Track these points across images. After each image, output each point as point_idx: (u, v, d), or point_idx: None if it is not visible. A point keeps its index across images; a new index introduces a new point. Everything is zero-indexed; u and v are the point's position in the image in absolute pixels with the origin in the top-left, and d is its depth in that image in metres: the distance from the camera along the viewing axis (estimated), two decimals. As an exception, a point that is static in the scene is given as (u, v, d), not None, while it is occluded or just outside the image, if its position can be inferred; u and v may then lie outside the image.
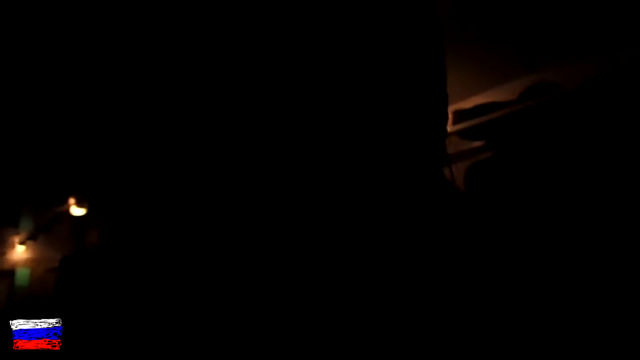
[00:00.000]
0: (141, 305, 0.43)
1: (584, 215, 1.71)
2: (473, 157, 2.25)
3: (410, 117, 0.40)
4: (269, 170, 0.37)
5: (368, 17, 0.38)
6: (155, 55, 0.40)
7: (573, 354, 0.38)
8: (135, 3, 0.41)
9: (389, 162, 0.39)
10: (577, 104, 1.90)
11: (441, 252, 0.41)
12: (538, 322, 0.39)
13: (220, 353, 0.38)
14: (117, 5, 0.43)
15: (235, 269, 0.39)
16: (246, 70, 0.37)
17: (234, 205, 0.38)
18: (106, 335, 0.44)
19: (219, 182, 0.38)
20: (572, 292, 0.43)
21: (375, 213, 0.39)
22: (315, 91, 0.37)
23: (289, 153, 0.37)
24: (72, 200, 4.00)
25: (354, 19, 0.38)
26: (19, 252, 4.76)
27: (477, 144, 2.28)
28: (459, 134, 2.23)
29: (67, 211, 4.07)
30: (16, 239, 4.78)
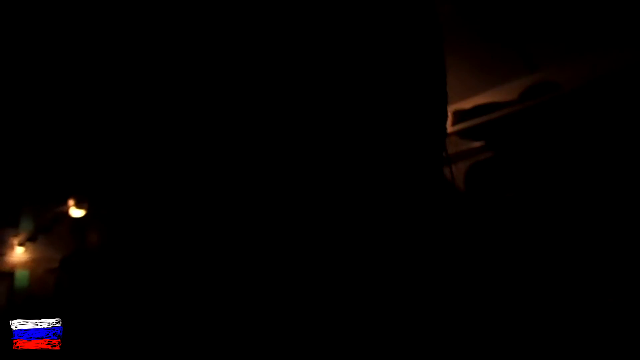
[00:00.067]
0: (141, 306, 0.43)
1: (584, 215, 1.71)
2: (473, 157, 2.26)
3: (410, 116, 0.40)
4: (268, 170, 0.37)
5: (368, 17, 0.38)
6: (154, 56, 0.40)
7: (573, 353, 0.38)
8: (135, 3, 0.41)
9: (389, 162, 0.39)
10: (578, 103, 1.90)
11: (441, 251, 0.41)
12: (538, 322, 0.39)
13: (220, 353, 0.38)
14: (117, 5, 0.43)
15: (235, 269, 0.39)
16: (245, 70, 0.37)
17: (234, 205, 0.38)
18: (106, 335, 0.44)
19: (218, 182, 0.38)
20: (573, 291, 0.43)
21: (375, 212, 0.39)
22: (315, 91, 0.37)
23: (287, 153, 0.36)
24: (71, 201, 4.01)
25: (353, 18, 0.38)
26: (18, 253, 4.77)
27: (478, 144, 2.28)
28: (459, 134, 2.24)
29: (67, 212, 4.08)
30: (15, 241, 4.79)
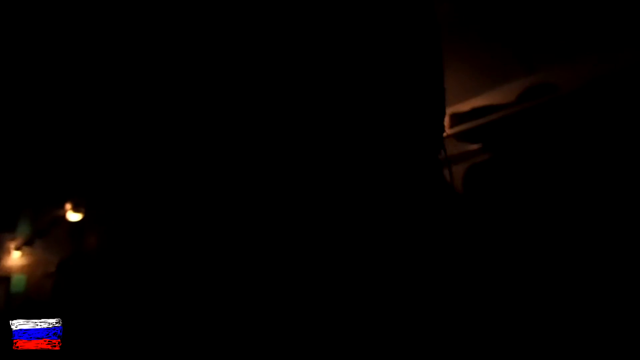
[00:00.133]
0: (137, 309, 0.43)
1: (583, 216, 1.71)
2: (471, 159, 2.26)
3: (409, 116, 0.40)
4: (268, 171, 0.37)
5: (367, 18, 0.38)
6: (153, 60, 0.40)
7: (573, 353, 0.37)
8: (135, 3, 0.41)
9: (388, 162, 0.39)
10: (576, 105, 1.91)
11: (440, 252, 0.41)
12: (537, 322, 0.39)
13: (220, 353, 0.38)
14: (117, 5, 0.43)
15: (233, 270, 0.39)
16: (245, 71, 0.37)
17: (233, 207, 0.38)
18: (104, 338, 0.43)
19: (216, 185, 0.38)
20: (571, 292, 0.43)
21: (374, 213, 0.39)
22: (315, 91, 0.37)
23: (287, 153, 0.36)
24: (68, 205, 4.00)
25: (353, 19, 0.38)
26: (15, 257, 4.75)
27: (476, 146, 2.29)
28: (457, 136, 2.24)
29: (64, 216, 4.07)
30: (12, 245, 4.77)
